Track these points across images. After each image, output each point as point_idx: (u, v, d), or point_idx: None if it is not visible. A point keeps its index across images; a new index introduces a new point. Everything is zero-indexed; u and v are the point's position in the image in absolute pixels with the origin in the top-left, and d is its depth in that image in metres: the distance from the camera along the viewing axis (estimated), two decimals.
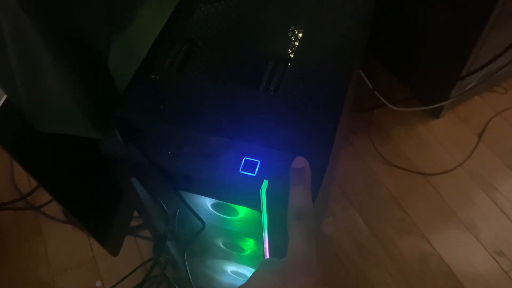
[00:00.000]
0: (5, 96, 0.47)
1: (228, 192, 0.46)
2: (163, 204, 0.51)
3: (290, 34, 0.54)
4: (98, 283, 0.99)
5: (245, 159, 0.43)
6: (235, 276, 0.74)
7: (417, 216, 1.05)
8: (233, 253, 0.67)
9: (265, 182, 0.41)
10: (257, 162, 0.42)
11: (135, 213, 0.66)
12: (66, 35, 0.41)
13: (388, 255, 1.00)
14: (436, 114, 1.19)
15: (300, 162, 0.40)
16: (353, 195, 1.09)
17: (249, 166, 0.42)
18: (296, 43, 0.53)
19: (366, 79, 1.04)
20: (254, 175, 0.42)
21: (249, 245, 0.62)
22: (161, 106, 0.46)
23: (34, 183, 1.10)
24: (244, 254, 0.65)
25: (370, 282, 0.97)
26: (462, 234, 1.02)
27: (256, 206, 0.44)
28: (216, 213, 0.56)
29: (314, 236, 0.38)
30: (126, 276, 0.91)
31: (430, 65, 1.13)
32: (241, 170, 0.42)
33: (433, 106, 1.14)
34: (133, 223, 1.02)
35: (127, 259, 0.97)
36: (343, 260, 1.00)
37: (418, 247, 1.01)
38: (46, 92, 0.46)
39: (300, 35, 0.54)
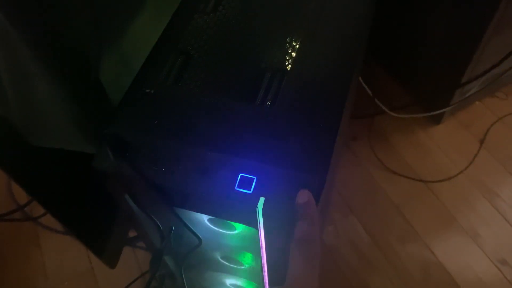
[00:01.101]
0: None
1: (224, 209, 0.44)
2: (158, 222, 0.50)
3: (287, 44, 0.53)
4: None
5: (241, 175, 0.42)
6: None
7: (419, 223, 1.03)
8: (231, 267, 0.65)
9: (262, 200, 0.40)
10: (254, 178, 0.41)
11: None
12: (54, 48, 0.41)
13: (390, 264, 0.99)
14: (437, 120, 1.18)
15: (303, 196, 0.39)
16: (353, 203, 1.07)
17: (245, 183, 0.41)
18: (293, 54, 0.52)
19: (365, 86, 1.03)
20: (250, 192, 0.41)
21: (247, 259, 0.61)
22: (155, 121, 0.45)
23: None
24: (242, 268, 0.64)
25: None
26: (464, 242, 1.00)
27: (253, 223, 0.43)
28: (213, 227, 0.55)
29: (317, 262, 0.37)
30: None
31: (431, 71, 1.12)
32: (237, 187, 0.41)
33: (434, 113, 1.12)
34: (131, 234, 1.01)
35: (125, 270, 0.96)
36: (344, 268, 0.98)
37: (420, 255, 0.99)
38: (37, 106, 0.45)
39: (297, 45, 0.53)
